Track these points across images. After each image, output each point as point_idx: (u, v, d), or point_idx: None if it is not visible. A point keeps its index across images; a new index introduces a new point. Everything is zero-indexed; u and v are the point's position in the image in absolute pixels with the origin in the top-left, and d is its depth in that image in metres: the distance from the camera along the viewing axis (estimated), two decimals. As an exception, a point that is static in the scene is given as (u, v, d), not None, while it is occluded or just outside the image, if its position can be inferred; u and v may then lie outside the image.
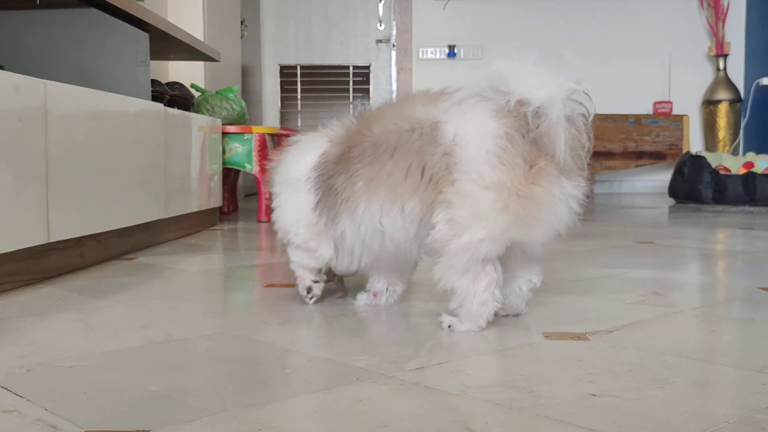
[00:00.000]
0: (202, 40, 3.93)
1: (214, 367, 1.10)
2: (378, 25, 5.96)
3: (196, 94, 3.78)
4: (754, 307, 1.52)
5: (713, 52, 5.64)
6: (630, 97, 5.65)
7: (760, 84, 5.34)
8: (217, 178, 3.25)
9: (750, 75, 5.63)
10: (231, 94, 3.69)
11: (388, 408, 0.90)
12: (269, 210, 3.44)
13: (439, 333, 1.30)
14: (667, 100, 5.59)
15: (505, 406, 0.91)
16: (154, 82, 3.05)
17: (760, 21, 5.55)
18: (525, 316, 1.41)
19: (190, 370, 1.08)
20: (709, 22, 5.70)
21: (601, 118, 5.34)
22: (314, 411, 0.89)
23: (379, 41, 5.96)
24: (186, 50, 3.17)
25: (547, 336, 1.26)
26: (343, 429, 0.83)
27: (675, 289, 1.71)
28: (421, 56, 5.83)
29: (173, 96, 3.24)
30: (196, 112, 3.46)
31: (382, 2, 5.91)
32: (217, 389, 0.98)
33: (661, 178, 5.72)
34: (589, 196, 5.34)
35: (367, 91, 6.02)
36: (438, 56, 5.82)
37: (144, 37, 2.55)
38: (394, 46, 5.91)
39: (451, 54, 5.78)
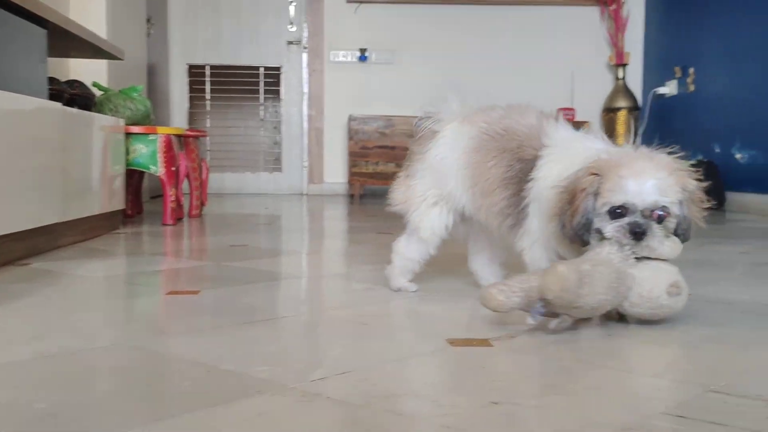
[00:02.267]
0: (105, 37, 3.80)
1: (109, 381, 1.05)
2: (289, 26, 5.91)
3: (99, 93, 3.65)
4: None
5: (613, 62, 5.85)
6: (535, 103, 5.78)
7: (657, 93, 5.58)
8: (120, 180, 3.15)
9: (647, 84, 5.87)
10: (135, 94, 3.58)
11: (289, 421, 0.88)
12: (174, 212, 3.36)
13: (346, 340, 1.29)
14: (570, 107, 5.76)
15: (408, 416, 0.90)
16: (52, 80, 2.92)
17: (657, 33, 5.80)
18: (432, 323, 1.42)
19: (84, 384, 1.03)
20: (609, 33, 5.91)
21: (509, 124, 5.45)
22: (212, 427, 0.86)
23: (290, 43, 5.91)
24: (88, 48, 3.05)
25: (452, 343, 1.26)
26: (242, 445, 0.81)
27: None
28: (332, 59, 5.82)
29: (73, 95, 3.12)
30: (99, 111, 3.34)
31: (293, 4, 5.87)
32: (111, 405, 0.94)
33: (565, 182, 5.87)
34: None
35: (278, 92, 5.96)
36: (350, 59, 5.82)
37: (41, 34, 2.44)
38: (305, 48, 5.87)
39: (363, 58, 5.79)
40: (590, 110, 5.80)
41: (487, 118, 1.64)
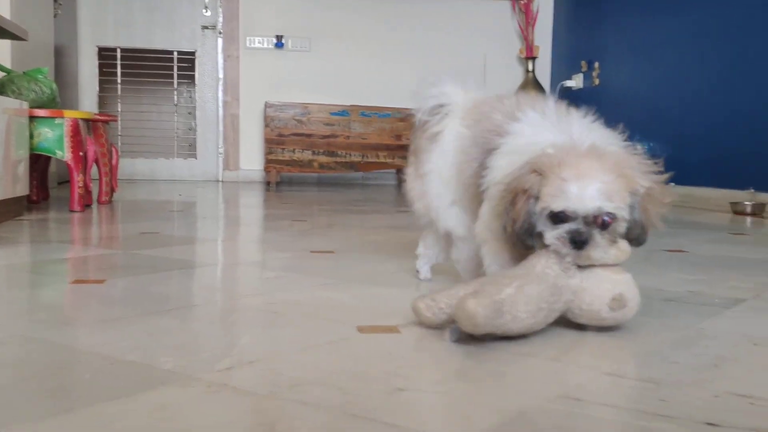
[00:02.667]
0: (8, 17, 3.64)
1: (5, 374, 1.01)
2: (204, 10, 5.79)
3: (1, 74, 3.50)
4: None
5: (523, 55, 5.99)
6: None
7: (564, 85, 5.74)
8: (24, 165, 3.03)
9: (556, 77, 6.03)
10: (40, 76, 3.45)
11: (192, 414, 0.87)
12: (81, 198, 3.26)
13: (256, 329, 1.28)
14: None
15: (313, 405, 0.91)
16: (-51, 60, 2.78)
17: (565, 28, 5.95)
18: (343, 310, 1.43)
19: (-23, 379, 0.99)
20: (520, 27, 6.04)
21: (425, 113, 5.50)
22: (111, 421, 0.84)
23: (205, 27, 5.79)
24: (-13, 26, 2.92)
25: (361, 330, 1.27)
26: (143, 438, 0.79)
27: (485, 280, 1.79)
28: (248, 45, 5.73)
29: (-28, 75, 2.97)
30: (1, 93, 3.20)
31: (209, -14, 5.75)
32: (6, 400, 0.91)
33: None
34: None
35: (193, 77, 5.84)
36: (266, 46, 5.75)
37: (-65, 10, 2.31)
38: (220, 33, 5.76)
39: (279, 44, 5.73)
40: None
41: (481, 111, 1.53)
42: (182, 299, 1.54)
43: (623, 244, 1.28)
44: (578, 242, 1.22)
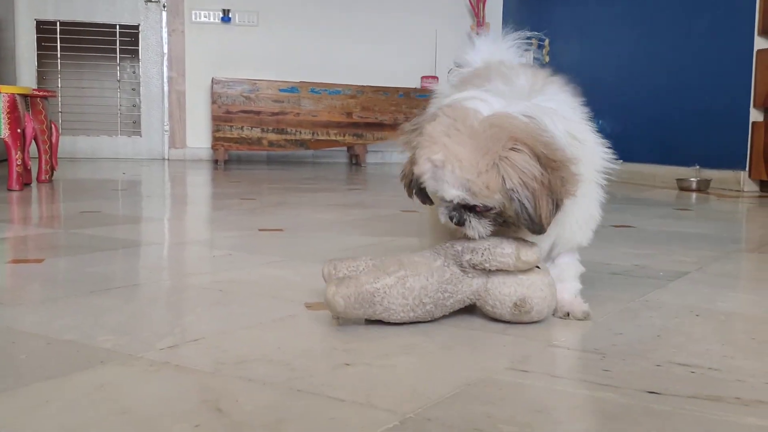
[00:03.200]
0: (-62, -14, 3.48)
1: (-65, 357, 0.97)
2: (147, -17, 5.64)
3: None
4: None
5: (475, 31, 6.00)
6: (400, 71, 5.84)
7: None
8: (-41, 143, 2.91)
9: (508, 54, 6.06)
10: (-25, 50, 3.32)
11: (132, 392, 0.85)
12: (20, 177, 3.16)
13: (201, 308, 1.26)
14: (433, 75, 5.85)
15: (259, 381, 0.89)
16: None
17: (516, 4, 5.97)
18: (291, 288, 1.41)
19: None
20: (471, 3, 6.03)
21: (374, 91, 5.48)
22: (47, 401, 0.82)
23: (148, 0, 5.65)
24: None
25: (309, 306, 1.26)
26: (78, 420, 0.77)
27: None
28: (194, 19, 5.61)
29: None
30: (-68, 67, 3.07)
31: (152, -41, 5.60)
32: (-65, 383, 0.87)
33: (430, 149, 5.99)
34: (362, 165, 5.46)
35: (137, 52, 5.70)
36: (212, 20, 5.63)
37: None
38: (164, 6, 5.63)
39: (225, 19, 5.62)
40: (454, 78, 5.91)
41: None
42: (125, 278, 1.51)
43: (530, 249, 1.15)
44: (457, 222, 1.14)
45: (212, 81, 5.24)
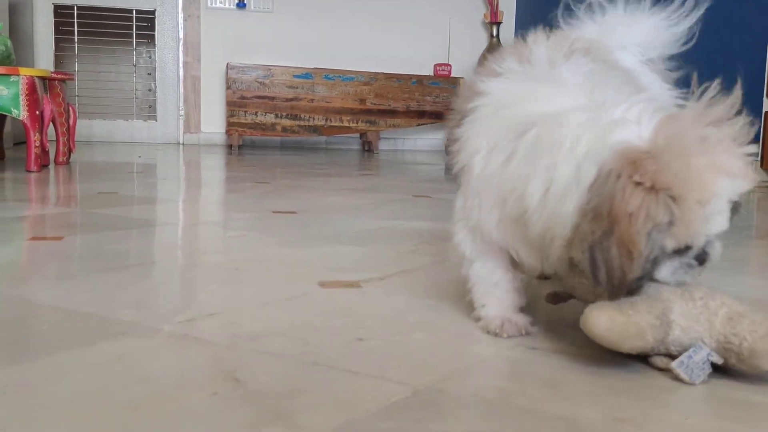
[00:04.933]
0: (-43, -31, 3.51)
1: (-41, 327, 1.00)
2: (163, -33, 5.66)
3: (-48, 29, 3.39)
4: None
5: (488, 20, 5.98)
6: (413, 58, 5.84)
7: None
8: (-23, 124, 2.95)
9: (522, 42, 6.05)
10: (-7, 32, 3.35)
11: (151, 362, 0.87)
12: (38, 158, 3.19)
13: (217, 285, 1.28)
14: (446, 62, 5.84)
15: (274, 355, 0.91)
16: None
17: (532, -6, 5.96)
18: (305, 267, 1.43)
19: (-69, 331, 0.98)
20: (485, -9, 6.02)
21: (387, 77, 5.47)
22: (69, 369, 0.84)
23: (164, -15, 5.66)
24: (-64, -21, 2.82)
25: (322, 285, 1.28)
26: (101, 386, 0.79)
27: (445, 239, 1.81)
28: (209, 5, 5.62)
29: None
30: (-49, 49, 3.11)
31: (169, -56, 5.62)
32: (-39, 350, 0.90)
33: (440, 136, 6.00)
34: (375, 152, 5.45)
35: (153, 37, 5.72)
36: (227, 6, 5.64)
37: None
38: (181, -9, 5.64)
39: (241, 5, 5.63)
40: (466, 66, 5.90)
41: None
42: (142, 256, 1.53)
43: None
44: (703, 260, 0.91)
45: (227, 66, 5.26)
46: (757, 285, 1.42)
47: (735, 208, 0.89)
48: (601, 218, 0.82)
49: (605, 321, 0.84)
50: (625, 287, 0.85)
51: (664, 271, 0.88)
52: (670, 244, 0.84)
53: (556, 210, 0.86)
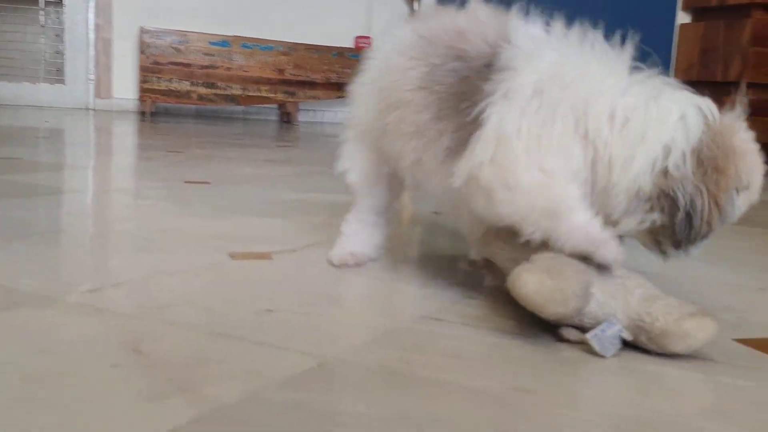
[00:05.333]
0: None
1: None
2: (73, -76, 5.41)
3: None
4: (431, 229, 1.66)
5: (413, -6, 5.98)
6: (334, 30, 5.79)
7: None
8: None
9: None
10: None
11: (51, 333, 0.85)
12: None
13: (124, 254, 1.25)
14: (367, 35, 5.82)
15: (179, 325, 0.90)
16: None
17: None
18: (216, 238, 1.41)
19: None
20: (410, -37, 6.01)
21: (307, 48, 5.42)
22: (-37, 339, 0.81)
23: (75, -58, 5.42)
24: None
25: (233, 256, 1.27)
26: (-3, 356, 0.77)
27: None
28: (123, -36, 5.43)
29: None
30: None
31: None
32: None
33: (362, 109, 5.98)
34: (293, 123, 5.41)
35: (62, -3, 5.48)
36: (142, -34, 5.46)
37: None
38: (92, -51, 5.41)
39: (156, -34, 5.45)
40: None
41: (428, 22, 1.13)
42: (47, 224, 1.48)
43: None
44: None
45: (140, 30, 5.10)
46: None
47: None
48: (709, 168, 0.91)
49: (535, 283, 0.87)
50: (699, 239, 0.94)
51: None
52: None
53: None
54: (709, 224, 0.92)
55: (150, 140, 3.55)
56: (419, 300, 1.09)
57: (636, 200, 0.94)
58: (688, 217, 0.91)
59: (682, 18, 3.76)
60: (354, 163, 1.25)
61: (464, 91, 1.00)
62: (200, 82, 5.20)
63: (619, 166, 0.93)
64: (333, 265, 1.22)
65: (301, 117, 5.80)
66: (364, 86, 1.22)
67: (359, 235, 1.26)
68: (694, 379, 0.83)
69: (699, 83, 3.62)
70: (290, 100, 5.49)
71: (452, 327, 0.96)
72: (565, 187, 0.94)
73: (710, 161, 0.91)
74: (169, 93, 5.13)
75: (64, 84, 5.56)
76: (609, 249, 0.92)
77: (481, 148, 0.96)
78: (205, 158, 2.83)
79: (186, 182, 2.14)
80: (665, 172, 0.92)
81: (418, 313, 1.01)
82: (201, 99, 5.23)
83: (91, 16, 5.47)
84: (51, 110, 5.18)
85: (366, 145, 1.24)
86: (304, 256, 1.30)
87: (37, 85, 5.54)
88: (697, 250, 0.98)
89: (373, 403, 0.71)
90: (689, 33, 3.66)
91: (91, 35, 5.48)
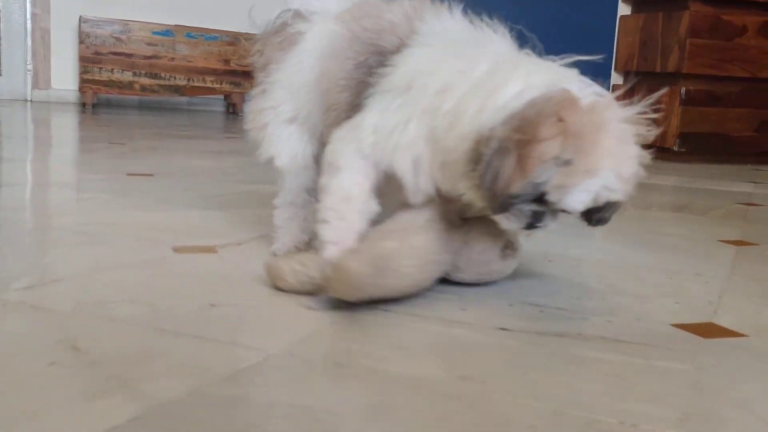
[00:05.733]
0: None
1: None
2: None
3: None
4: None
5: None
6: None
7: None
8: None
9: None
10: None
11: (-16, 331, 0.82)
12: None
13: (62, 249, 1.22)
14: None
15: (121, 321, 0.88)
16: None
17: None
18: (159, 231, 1.38)
19: None
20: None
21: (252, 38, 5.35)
22: None
23: (10, -72, 5.25)
24: None
25: (177, 250, 1.25)
26: (-73, 357, 0.74)
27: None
28: (60, -49, 5.28)
29: None
30: None
31: None
32: None
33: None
34: (239, 114, 5.33)
35: (-4, -16, 5.30)
36: (80, -46, 5.32)
37: None
38: (28, -64, 5.25)
39: (95, -47, 5.32)
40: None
41: (364, 10, 1.18)
42: (-20, 220, 1.43)
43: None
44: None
45: (80, 19, 4.97)
46: (599, 248, 1.51)
47: (612, 207, 0.98)
48: (522, 130, 0.90)
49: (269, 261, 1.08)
50: (500, 199, 0.92)
51: (526, 208, 0.95)
52: (556, 181, 0.90)
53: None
54: (508, 184, 0.90)
55: (91, 132, 3.47)
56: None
57: (466, 164, 0.96)
58: (490, 171, 0.91)
59: (623, 9, 3.82)
60: (282, 148, 1.27)
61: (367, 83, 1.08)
62: (143, 72, 5.10)
63: (453, 133, 0.97)
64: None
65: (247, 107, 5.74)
66: (295, 72, 1.25)
67: (294, 222, 1.27)
68: (632, 364, 0.85)
69: (639, 73, 3.69)
70: (236, 90, 5.42)
71: (398, 317, 0.96)
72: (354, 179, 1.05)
73: (529, 129, 0.89)
74: (110, 84, 5.02)
75: (0, 75, 5.39)
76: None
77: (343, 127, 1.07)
78: (149, 150, 2.78)
79: (128, 174, 2.10)
80: (486, 135, 0.93)
81: (366, 305, 1.01)
82: (144, 90, 5.13)
83: (28, 4, 5.31)
84: (-13, 102, 5.03)
85: (296, 128, 1.27)
86: (249, 249, 1.29)
87: (-28, 76, 5.35)
88: (543, 225, 0.98)
89: (319, 396, 0.71)
90: (629, 24, 3.72)
91: (29, 25, 5.32)
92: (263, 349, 0.82)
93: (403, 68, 1.05)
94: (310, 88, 1.21)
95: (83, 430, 0.61)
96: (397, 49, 1.08)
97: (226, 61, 5.33)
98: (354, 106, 1.10)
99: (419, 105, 1.01)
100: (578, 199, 0.92)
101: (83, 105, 5.02)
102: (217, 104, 5.83)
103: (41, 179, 2.07)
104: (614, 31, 3.84)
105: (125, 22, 5.03)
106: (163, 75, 5.17)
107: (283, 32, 1.30)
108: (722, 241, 1.62)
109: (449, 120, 0.98)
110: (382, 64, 1.08)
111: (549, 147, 0.89)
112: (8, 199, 1.68)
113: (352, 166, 1.05)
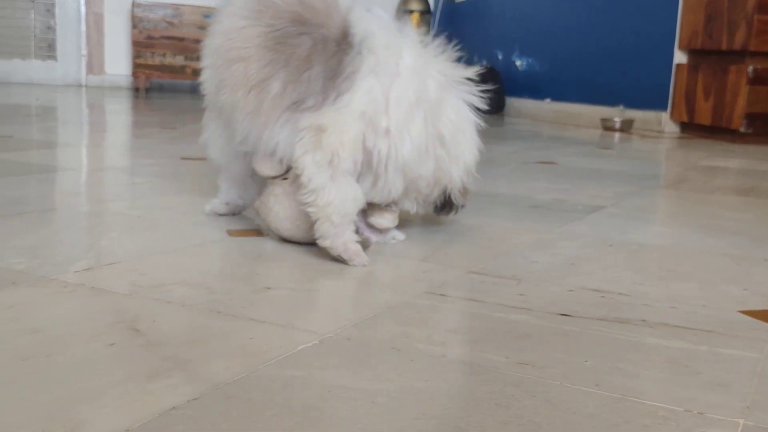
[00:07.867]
0: None
1: None
2: None
3: None
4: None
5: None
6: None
7: (448, -2, 5.74)
8: None
9: (440, -11, 6.00)
10: None
11: (44, 313, 0.83)
12: None
13: (118, 232, 1.23)
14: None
15: (177, 303, 0.88)
16: None
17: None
18: (211, 215, 1.39)
19: None
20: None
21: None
22: (-46, 320, 0.79)
23: None
24: None
25: (231, 233, 1.25)
26: (-10, 337, 0.75)
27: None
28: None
29: None
30: None
31: None
32: None
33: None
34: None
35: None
36: (132, -60, 5.38)
37: None
38: (82, -77, 5.33)
39: (147, -61, 5.36)
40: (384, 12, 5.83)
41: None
42: (39, 203, 1.46)
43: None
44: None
45: (133, 4, 5.03)
46: (660, 233, 1.47)
47: (450, 203, 1.24)
48: None
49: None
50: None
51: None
52: None
53: None
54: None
55: (144, 117, 3.52)
56: (422, 275, 1.07)
57: None
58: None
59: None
60: (212, 138, 1.38)
61: (314, 56, 1.12)
62: (195, 56, 5.14)
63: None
64: (205, 213, 1.37)
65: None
66: (208, 54, 1.33)
67: (233, 189, 1.37)
68: (697, 352, 0.82)
69: (703, 52, 3.57)
70: (285, 74, 5.43)
71: (455, 302, 0.95)
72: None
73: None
74: (162, 68, 5.08)
75: (55, 60, 5.50)
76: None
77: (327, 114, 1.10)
78: (201, 134, 2.80)
79: (182, 158, 2.11)
80: None
81: (422, 289, 0.99)
82: (196, 74, 5.17)
83: (82, -10, 5.40)
84: (42, 87, 5.13)
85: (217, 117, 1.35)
86: (302, 232, 1.28)
87: (28, 62, 5.47)
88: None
89: (376, 379, 0.70)
90: (693, 0, 3.61)
91: (83, 10, 5.41)
92: (319, 332, 0.81)
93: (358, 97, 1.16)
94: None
95: (144, 410, 0.61)
96: (342, 39, 1.17)
97: (275, 45, 5.34)
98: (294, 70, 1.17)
99: None
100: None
101: (136, 89, 5.09)
102: (267, 88, 5.85)
103: (96, 164, 2.09)
104: (677, 7, 3.73)
105: (177, 6, 5.08)
106: (213, 59, 5.20)
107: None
108: (788, 225, 1.56)
109: None
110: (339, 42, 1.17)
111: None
112: (64, 184, 1.71)
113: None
